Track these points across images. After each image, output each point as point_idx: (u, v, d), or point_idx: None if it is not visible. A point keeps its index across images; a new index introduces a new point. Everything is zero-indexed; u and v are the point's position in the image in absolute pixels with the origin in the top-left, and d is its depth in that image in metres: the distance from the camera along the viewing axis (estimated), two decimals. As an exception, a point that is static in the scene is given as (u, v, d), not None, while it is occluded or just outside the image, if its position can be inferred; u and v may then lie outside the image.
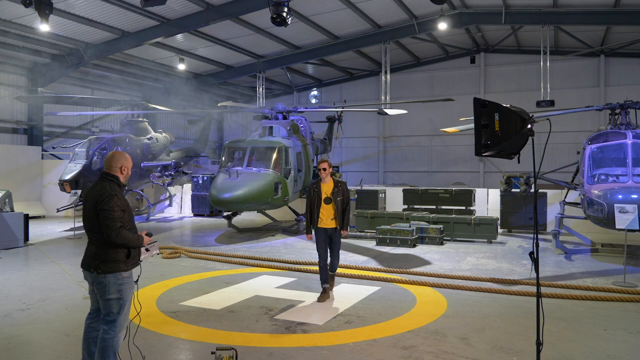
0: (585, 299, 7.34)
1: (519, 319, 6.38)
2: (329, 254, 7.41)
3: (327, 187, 7.31)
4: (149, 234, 4.47)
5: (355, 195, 16.15)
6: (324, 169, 7.28)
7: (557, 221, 12.00)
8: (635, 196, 9.11)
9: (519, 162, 4.55)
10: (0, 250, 11.25)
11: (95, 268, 4.09)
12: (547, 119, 4.95)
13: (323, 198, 7.24)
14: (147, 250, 4.48)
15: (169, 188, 19.36)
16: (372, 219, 14.56)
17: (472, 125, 5.46)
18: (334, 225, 7.24)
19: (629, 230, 8.71)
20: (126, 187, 4.32)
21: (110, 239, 4.01)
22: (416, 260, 10.66)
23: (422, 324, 6.18)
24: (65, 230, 15.14)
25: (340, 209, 7.22)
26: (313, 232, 7.52)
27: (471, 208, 15.58)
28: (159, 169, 17.99)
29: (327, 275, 7.36)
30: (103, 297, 4.12)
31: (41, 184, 19.65)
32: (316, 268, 9.39)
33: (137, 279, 4.39)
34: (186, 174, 18.98)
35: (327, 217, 7.24)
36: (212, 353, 4.52)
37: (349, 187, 19.02)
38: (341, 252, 11.80)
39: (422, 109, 25.57)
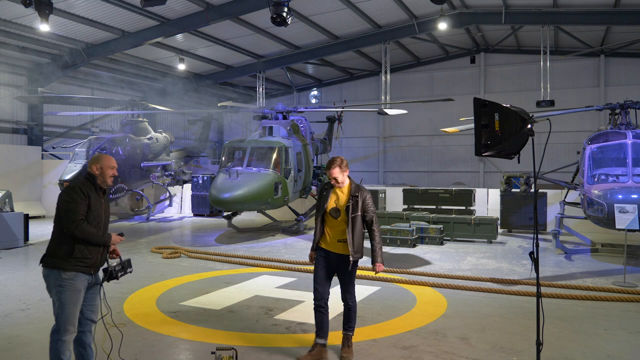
0: (585, 299, 7.34)
1: (519, 319, 6.38)
2: (339, 292, 5.22)
3: (339, 194, 5.07)
4: (122, 263, 4.28)
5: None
6: (335, 179, 5.04)
7: (557, 221, 12.00)
8: (635, 196, 9.12)
9: (519, 162, 4.55)
10: (0, 250, 11.25)
11: (42, 260, 4.02)
12: (547, 119, 4.94)
13: (329, 209, 5.03)
14: (121, 267, 4.24)
15: (169, 188, 19.38)
16: (372, 219, 14.53)
17: (472, 125, 5.46)
18: (342, 252, 5.04)
19: (629, 230, 8.71)
20: (103, 188, 4.13)
21: (69, 230, 3.89)
22: (416, 260, 10.66)
23: (422, 324, 6.18)
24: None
25: (359, 231, 5.03)
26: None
27: (471, 208, 15.59)
28: (159, 169, 18.00)
29: (326, 323, 5.08)
30: (50, 295, 4.02)
31: (41, 184, 19.66)
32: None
33: (103, 281, 4.19)
34: (186, 173, 18.98)
35: (333, 237, 5.07)
36: (212, 353, 4.52)
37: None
38: (341, 252, 12.03)
39: (422, 109, 25.56)
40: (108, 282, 4.21)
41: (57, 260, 3.94)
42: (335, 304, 7.04)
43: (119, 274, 4.22)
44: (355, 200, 5.00)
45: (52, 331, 4.01)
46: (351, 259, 5.01)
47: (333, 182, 5.05)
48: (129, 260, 4.38)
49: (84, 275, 4.01)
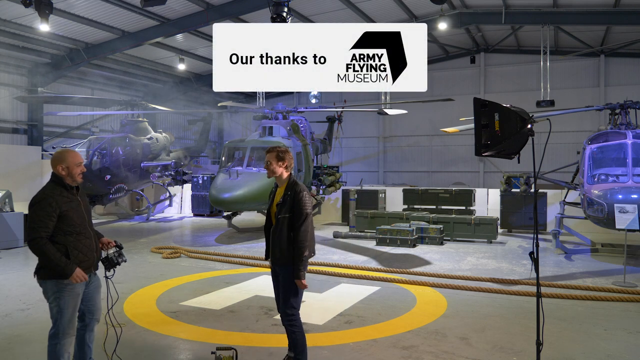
0: (585, 299, 7.34)
1: (519, 319, 6.38)
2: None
3: (279, 194, 4.54)
4: (118, 245, 4.23)
5: (355, 195, 16.17)
6: (268, 163, 4.53)
7: (557, 221, 11.99)
8: (635, 196, 9.12)
9: (519, 162, 4.55)
10: (0, 250, 11.24)
11: (36, 272, 3.94)
12: (547, 119, 4.94)
13: (273, 212, 4.50)
14: (112, 260, 4.17)
15: (169, 188, 19.38)
16: (372, 219, 14.56)
17: (472, 125, 5.46)
18: (277, 259, 4.41)
19: (629, 230, 8.71)
20: (74, 186, 4.17)
21: (29, 245, 3.82)
22: (416, 260, 10.66)
23: (422, 324, 6.18)
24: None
25: (284, 234, 4.30)
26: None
27: (471, 208, 15.59)
28: (159, 169, 18.00)
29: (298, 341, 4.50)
30: (47, 301, 3.98)
31: (41, 184, 19.43)
32: (316, 268, 9.37)
33: (107, 271, 4.21)
34: (186, 173, 19.00)
35: (273, 244, 4.43)
36: (212, 353, 4.52)
37: (348, 187, 19.17)
38: (341, 252, 12.07)
39: (422, 109, 25.53)
40: (110, 271, 4.20)
41: (53, 270, 3.85)
42: (334, 303, 7.06)
43: (119, 260, 4.20)
44: (286, 198, 4.37)
45: (50, 335, 3.97)
46: (271, 264, 4.47)
47: (265, 165, 4.60)
48: (121, 250, 4.33)
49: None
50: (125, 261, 4.29)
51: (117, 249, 4.24)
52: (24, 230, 12.19)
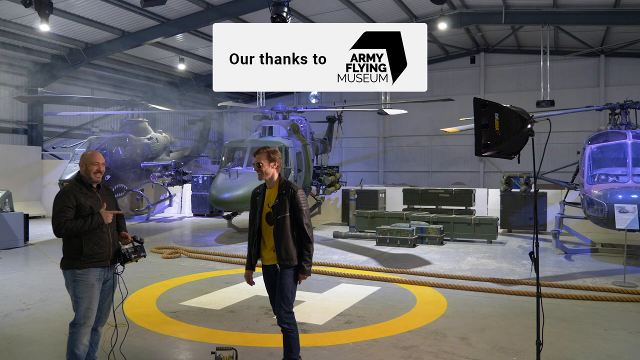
0: (585, 299, 7.34)
1: (519, 319, 6.38)
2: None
3: (270, 195, 4.45)
4: (135, 239, 4.41)
5: (355, 195, 16.17)
6: (259, 165, 4.38)
7: (557, 221, 11.99)
8: (635, 196, 9.12)
9: (519, 162, 4.55)
10: (0, 250, 11.24)
11: (60, 262, 4.24)
12: (547, 119, 4.95)
13: (264, 214, 4.44)
14: (128, 256, 4.32)
15: (169, 188, 19.38)
16: (372, 219, 14.56)
17: (472, 125, 5.47)
18: (274, 262, 4.40)
19: (629, 230, 8.71)
20: (92, 184, 4.20)
21: (57, 235, 4.14)
22: (416, 260, 10.66)
23: (422, 324, 6.18)
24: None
25: (287, 234, 4.29)
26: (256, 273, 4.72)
27: (471, 208, 15.59)
28: (159, 169, 18.00)
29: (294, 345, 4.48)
30: (67, 289, 4.25)
31: (41, 184, 19.65)
32: (316, 268, 9.37)
33: (117, 264, 4.36)
34: (186, 173, 18.99)
35: (268, 247, 4.44)
36: (212, 353, 4.52)
37: (348, 187, 19.18)
38: (341, 252, 12.08)
39: (422, 109, 25.56)
40: (123, 265, 4.35)
41: (71, 260, 4.15)
42: (334, 303, 7.06)
43: (132, 256, 4.34)
44: (282, 198, 4.33)
45: (69, 324, 4.20)
46: (278, 267, 4.36)
47: (255, 167, 4.43)
48: (141, 245, 4.48)
49: (96, 269, 4.19)
50: (144, 256, 4.45)
51: (133, 245, 4.39)
52: (24, 230, 12.21)
